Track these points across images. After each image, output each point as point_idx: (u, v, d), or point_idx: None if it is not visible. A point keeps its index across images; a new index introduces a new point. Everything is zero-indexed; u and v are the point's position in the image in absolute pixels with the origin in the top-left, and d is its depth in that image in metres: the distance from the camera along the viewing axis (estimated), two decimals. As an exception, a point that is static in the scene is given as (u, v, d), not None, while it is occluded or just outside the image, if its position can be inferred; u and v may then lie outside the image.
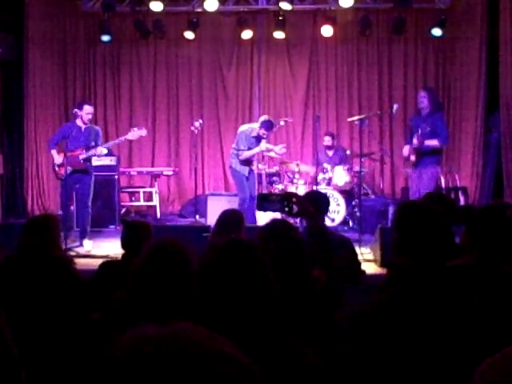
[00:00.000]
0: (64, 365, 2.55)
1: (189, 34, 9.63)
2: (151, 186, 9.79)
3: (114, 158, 8.91)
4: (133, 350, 0.74)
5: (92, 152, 6.99)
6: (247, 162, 7.68)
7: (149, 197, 9.65)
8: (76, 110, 7.11)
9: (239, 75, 10.31)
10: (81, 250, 6.82)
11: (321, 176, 8.24)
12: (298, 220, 6.13)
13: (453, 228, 2.93)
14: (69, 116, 9.49)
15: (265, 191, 8.24)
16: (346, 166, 8.42)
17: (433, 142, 6.93)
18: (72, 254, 6.38)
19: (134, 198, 9.83)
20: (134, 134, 7.28)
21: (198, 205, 8.23)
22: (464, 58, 9.65)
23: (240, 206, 7.23)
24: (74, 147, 6.96)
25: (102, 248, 6.87)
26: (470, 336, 1.76)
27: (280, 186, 8.29)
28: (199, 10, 9.46)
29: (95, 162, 7.34)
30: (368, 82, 10.08)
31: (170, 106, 10.42)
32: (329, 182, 8.30)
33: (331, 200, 7.40)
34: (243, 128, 7.80)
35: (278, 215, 3.92)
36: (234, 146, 7.77)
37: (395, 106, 7.64)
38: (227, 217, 3.87)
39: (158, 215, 9.31)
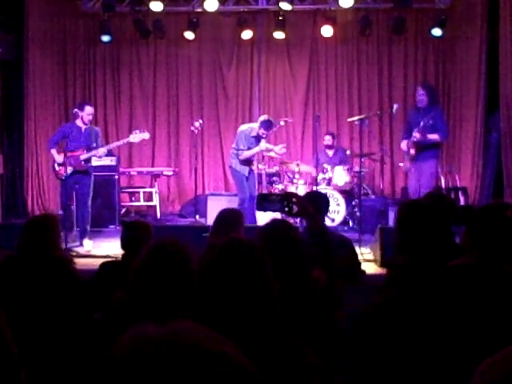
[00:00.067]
0: (64, 365, 2.55)
1: (189, 34, 9.63)
2: (151, 186, 9.80)
3: (114, 158, 8.92)
4: (133, 350, 0.74)
5: (93, 153, 7.00)
6: (247, 162, 7.68)
7: (149, 197, 9.65)
8: (76, 110, 7.11)
9: (239, 75, 10.31)
10: (81, 250, 6.82)
11: (321, 176, 8.24)
12: (298, 220, 6.13)
13: (453, 228, 2.93)
14: (69, 116, 9.49)
15: (265, 191, 8.24)
16: (346, 166, 8.42)
17: (434, 136, 7.01)
18: (72, 253, 6.38)
19: (134, 198, 9.84)
20: (136, 136, 7.28)
21: (198, 205, 8.23)
22: (464, 58, 9.65)
23: (240, 206, 7.23)
24: (75, 147, 6.96)
25: (102, 248, 6.88)
26: (470, 336, 1.76)
27: (280, 186, 8.29)
28: (199, 9, 9.46)
29: (95, 162, 7.34)
30: (368, 82, 10.08)
31: (170, 106, 10.42)
32: (329, 182, 8.30)
33: (331, 200, 7.40)
34: (243, 128, 7.80)
35: (278, 215, 3.92)
36: (233, 145, 7.78)
37: (395, 106, 7.65)
38: (226, 216, 3.84)
39: (158, 215, 9.31)
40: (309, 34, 10.06)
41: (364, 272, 3.98)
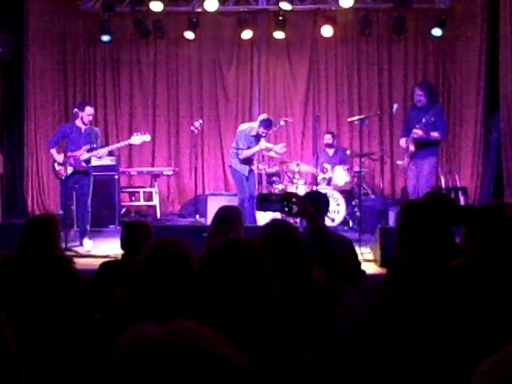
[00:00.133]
0: (64, 365, 2.55)
1: (189, 34, 9.63)
2: (151, 185, 9.80)
3: (114, 158, 8.91)
4: (133, 350, 0.74)
5: (93, 153, 7.00)
6: (247, 162, 7.67)
7: (149, 197, 9.65)
8: (77, 110, 7.11)
9: (239, 75, 10.31)
10: (81, 250, 6.82)
11: (321, 176, 8.24)
12: (298, 220, 6.13)
13: (453, 228, 2.93)
14: (69, 116, 9.49)
15: (265, 191, 8.23)
16: (346, 166, 8.42)
17: (435, 134, 7.03)
18: (72, 253, 6.38)
19: (134, 198, 9.84)
20: (137, 138, 7.27)
21: (197, 205, 8.23)
22: (464, 58, 9.65)
23: (240, 206, 7.22)
24: (75, 148, 6.96)
25: (102, 248, 6.87)
26: (470, 336, 1.76)
27: (280, 186, 8.28)
28: (199, 9, 9.46)
29: (95, 161, 7.34)
30: (368, 81, 10.08)
31: (170, 106, 10.42)
32: (329, 182, 8.30)
33: (331, 200, 7.40)
34: (242, 127, 7.80)
35: (278, 215, 3.92)
36: (233, 145, 7.77)
37: (395, 106, 7.65)
38: (224, 213, 3.80)
39: (158, 215, 9.31)
40: (309, 34, 10.06)
41: (364, 272, 3.97)
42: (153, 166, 10.33)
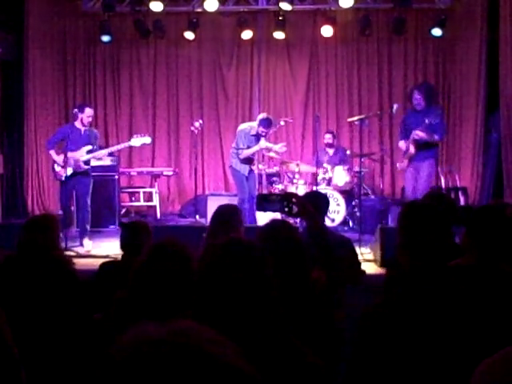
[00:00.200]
0: (64, 365, 2.55)
1: (189, 34, 9.63)
2: (151, 186, 9.80)
3: (114, 159, 8.91)
4: (133, 350, 0.74)
5: (93, 155, 7.00)
6: (248, 161, 7.66)
7: (149, 197, 9.65)
8: (76, 110, 7.10)
9: (239, 75, 10.31)
10: (81, 250, 6.82)
11: (321, 176, 8.24)
12: (298, 220, 6.13)
13: (453, 228, 2.93)
14: (69, 116, 9.49)
15: (265, 191, 8.23)
16: (346, 166, 8.42)
17: (435, 136, 7.04)
18: (72, 253, 6.38)
19: (134, 198, 9.84)
20: (137, 140, 7.26)
21: (197, 205, 8.23)
22: (464, 58, 9.65)
23: (240, 206, 7.22)
24: (75, 149, 6.96)
25: (102, 248, 6.87)
26: (470, 336, 1.76)
27: (280, 186, 8.28)
28: (199, 10, 9.46)
29: (95, 162, 7.34)
30: (368, 82, 10.08)
31: (170, 106, 10.42)
32: (329, 182, 8.30)
33: (331, 200, 7.40)
34: (242, 127, 7.80)
35: (277, 215, 3.92)
36: (233, 145, 7.77)
37: (395, 106, 7.64)
38: (223, 212, 3.78)
39: (158, 215, 9.31)
40: (309, 34, 10.06)
41: (364, 272, 3.97)
42: (153, 166, 10.33)
